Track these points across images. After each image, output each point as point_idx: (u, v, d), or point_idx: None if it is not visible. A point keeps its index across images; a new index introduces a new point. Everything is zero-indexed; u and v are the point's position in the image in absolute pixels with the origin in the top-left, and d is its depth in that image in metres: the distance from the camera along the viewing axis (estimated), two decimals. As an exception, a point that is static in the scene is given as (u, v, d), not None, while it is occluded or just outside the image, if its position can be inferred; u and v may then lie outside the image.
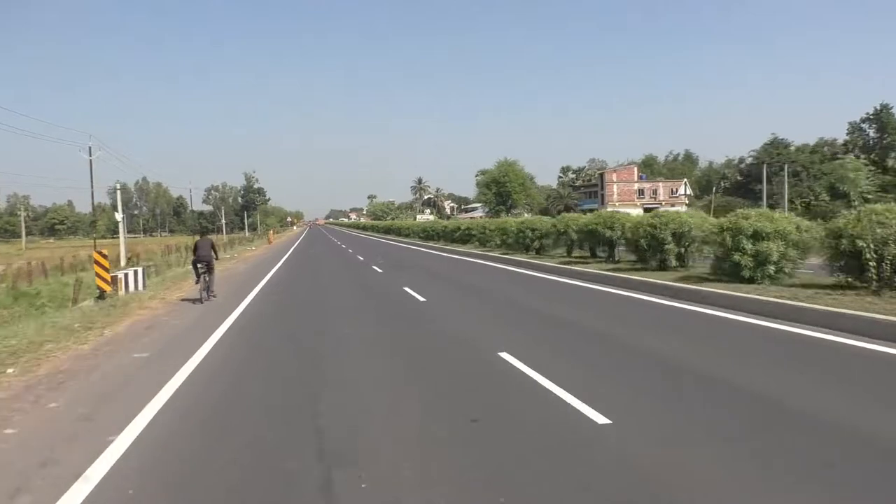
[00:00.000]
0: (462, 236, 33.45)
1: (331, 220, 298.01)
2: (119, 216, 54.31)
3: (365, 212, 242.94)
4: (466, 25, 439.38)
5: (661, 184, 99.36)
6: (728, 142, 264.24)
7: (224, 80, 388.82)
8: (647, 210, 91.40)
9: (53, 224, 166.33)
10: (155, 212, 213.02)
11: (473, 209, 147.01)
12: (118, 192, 52.83)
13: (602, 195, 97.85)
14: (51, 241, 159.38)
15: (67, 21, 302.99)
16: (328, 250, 43.48)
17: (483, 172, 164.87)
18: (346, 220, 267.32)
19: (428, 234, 41.75)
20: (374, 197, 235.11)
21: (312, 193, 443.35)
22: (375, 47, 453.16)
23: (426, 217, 65.18)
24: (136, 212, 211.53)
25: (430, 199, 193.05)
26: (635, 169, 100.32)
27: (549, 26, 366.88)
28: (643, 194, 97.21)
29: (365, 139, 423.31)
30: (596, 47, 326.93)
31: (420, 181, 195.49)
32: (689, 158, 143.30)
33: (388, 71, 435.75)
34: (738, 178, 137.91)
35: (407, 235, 51.57)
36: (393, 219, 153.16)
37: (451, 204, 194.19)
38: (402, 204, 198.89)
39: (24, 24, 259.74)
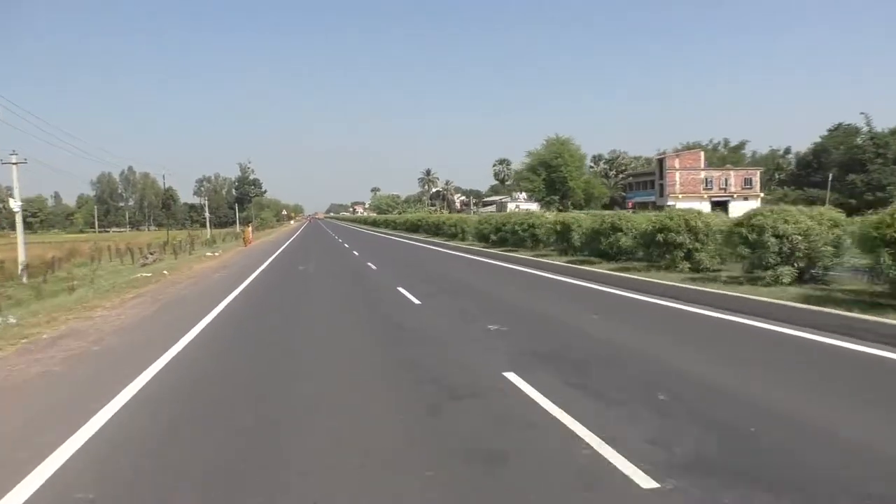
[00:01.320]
0: (651, 245, 14.02)
1: (331, 214, 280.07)
2: (15, 205, 35.79)
3: (367, 205, 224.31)
4: (471, 21, 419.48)
5: (732, 172, 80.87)
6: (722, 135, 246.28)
7: (223, 75, 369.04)
8: (716, 204, 73.21)
9: (25, 217, 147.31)
10: (142, 204, 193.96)
11: (491, 203, 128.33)
12: (14, 166, 34.35)
13: (661, 185, 79.43)
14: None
15: (63, 15, 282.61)
16: (335, 262, 25.10)
17: (501, 161, 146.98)
18: (347, 213, 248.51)
19: (510, 235, 22.75)
20: (378, 190, 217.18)
21: (312, 187, 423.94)
22: (376, 40, 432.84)
23: (521, 207, 43.63)
24: (121, 204, 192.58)
25: (438, 191, 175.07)
26: (701, 154, 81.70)
27: (553, 25, 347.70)
28: (710, 185, 78.86)
29: (367, 133, 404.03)
30: (596, 46, 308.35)
31: (429, 172, 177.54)
32: (729, 146, 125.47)
33: (389, 67, 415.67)
34: (791, 167, 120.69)
35: (453, 235, 33.04)
36: (400, 212, 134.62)
37: (462, 198, 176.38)
38: (410, 197, 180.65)
39: (20, 20, 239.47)
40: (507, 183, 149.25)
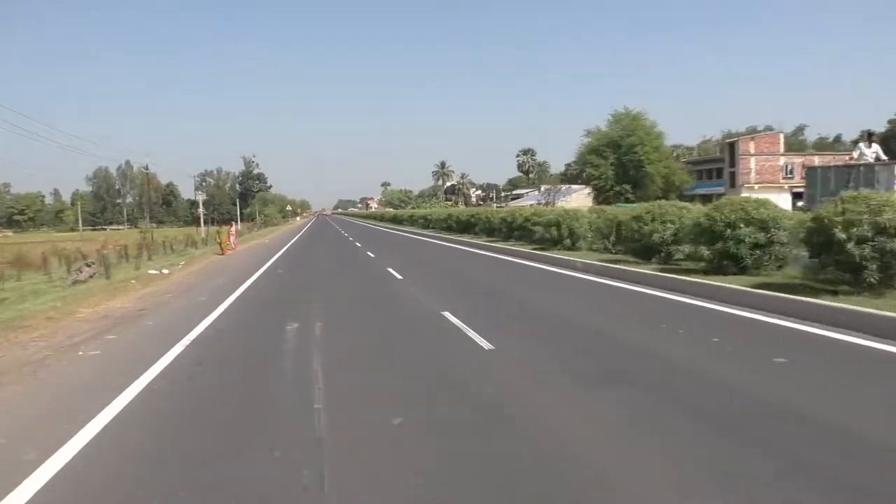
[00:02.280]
0: None
1: (339, 210, 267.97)
2: None
3: (376, 200, 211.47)
4: (486, 12, 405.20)
5: (816, 158, 67.38)
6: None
7: (228, 65, 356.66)
8: (798, 196, 59.52)
9: (12, 215, 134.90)
10: (141, 200, 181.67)
11: (519, 196, 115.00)
12: None
13: (732, 174, 66.15)
14: (9, 234, 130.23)
15: (62, 7, 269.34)
16: (370, 312, 12.12)
17: (525, 152, 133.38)
18: (355, 209, 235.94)
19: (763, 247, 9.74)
20: (388, 184, 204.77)
21: (320, 183, 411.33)
22: (382, 35, 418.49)
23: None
24: (118, 200, 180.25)
25: (453, 185, 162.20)
26: (780, 137, 68.24)
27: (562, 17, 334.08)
28: (791, 173, 65.55)
29: (374, 129, 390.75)
30: (602, 38, 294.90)
31: (443, 165, 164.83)
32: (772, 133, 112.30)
33: (397, 61, 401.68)
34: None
35: (554, 241, 19.40)
36: (414, 208, 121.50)
37: (478, 192, 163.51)
38: (424, 191, 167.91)
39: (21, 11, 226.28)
40: (531, 175, 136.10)
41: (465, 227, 31.39)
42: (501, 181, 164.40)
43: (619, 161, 45.80)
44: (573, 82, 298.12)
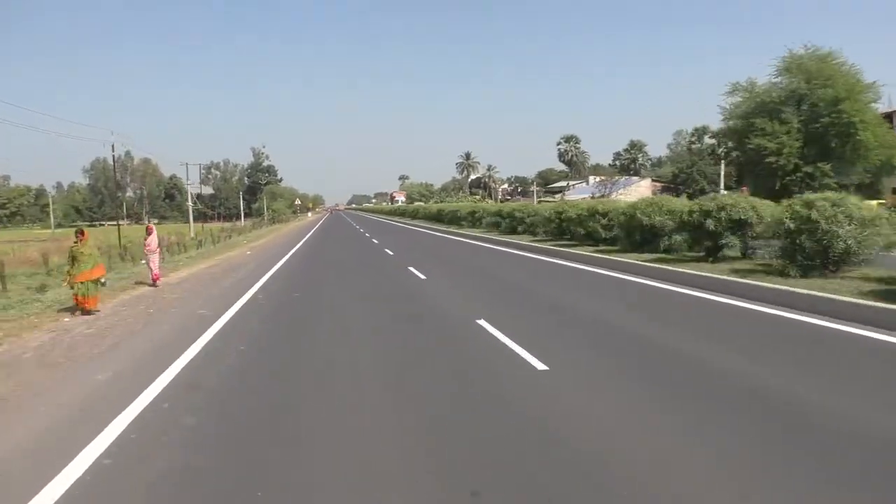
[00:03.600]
0: None
1: (353, 205, 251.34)
2: None
3: (404, 193, 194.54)
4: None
5: None
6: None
7: (238, 56, 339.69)
8: None
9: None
10: (142, 194, 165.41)
11: (561, 189, 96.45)
12: None
13: None
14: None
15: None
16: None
17: (568, 139, 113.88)
18: (369, 204, 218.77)
19: None
20: (407, 178, 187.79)
21: (333, 178, 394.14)
22: (397, 25, 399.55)
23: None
24: (119, 194, 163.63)
25: (478, 178, 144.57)
26: (956, 106, 49.70)
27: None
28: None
29: (391, 121, 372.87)
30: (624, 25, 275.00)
31: (468, 156, 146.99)
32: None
33: (409, 58, 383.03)
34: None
35: None
36: (439, 202, 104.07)
37: (504, 186, 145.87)
38: (447, 184, 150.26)
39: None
40: (572, 166, 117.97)
41: (695, 227, 12.52)
42: (529, 174, 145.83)
43: (808, 122, 28.02)
44: (592, 77, 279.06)
